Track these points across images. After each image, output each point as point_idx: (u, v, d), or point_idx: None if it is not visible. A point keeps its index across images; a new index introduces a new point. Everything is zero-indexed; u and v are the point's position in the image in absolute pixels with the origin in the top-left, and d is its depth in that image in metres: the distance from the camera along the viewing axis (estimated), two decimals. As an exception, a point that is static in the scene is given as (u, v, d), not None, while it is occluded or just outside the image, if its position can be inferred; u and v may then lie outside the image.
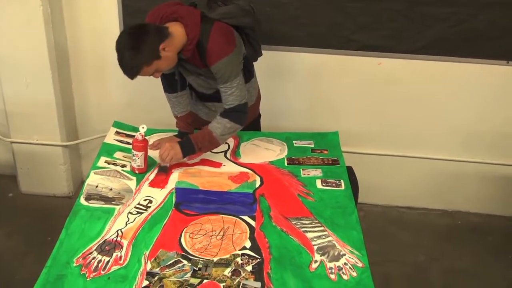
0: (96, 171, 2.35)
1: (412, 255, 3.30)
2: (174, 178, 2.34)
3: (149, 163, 2.41)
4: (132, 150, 2.34)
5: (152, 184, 2.30)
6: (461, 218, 3.68)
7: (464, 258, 3.30)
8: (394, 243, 3.39)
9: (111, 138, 2.63)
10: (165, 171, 2.39)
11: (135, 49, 2.08)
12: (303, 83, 3.34)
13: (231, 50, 2.28)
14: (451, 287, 3.06)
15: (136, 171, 2.37)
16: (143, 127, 2.36)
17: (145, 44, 2.09)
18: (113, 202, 2.16)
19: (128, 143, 2.55)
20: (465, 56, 3.15)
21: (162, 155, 2.38)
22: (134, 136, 2.39)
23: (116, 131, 2.69)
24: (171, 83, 2.48)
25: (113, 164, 2.42)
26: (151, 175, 2.36)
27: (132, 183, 2.30)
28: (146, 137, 2.39)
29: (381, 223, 3.58)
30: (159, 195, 2.23)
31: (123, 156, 2.48)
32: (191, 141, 2.41)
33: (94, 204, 2.14)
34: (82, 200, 2.16)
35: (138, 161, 2.35)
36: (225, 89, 2.33)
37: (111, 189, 2.24)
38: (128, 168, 2.40)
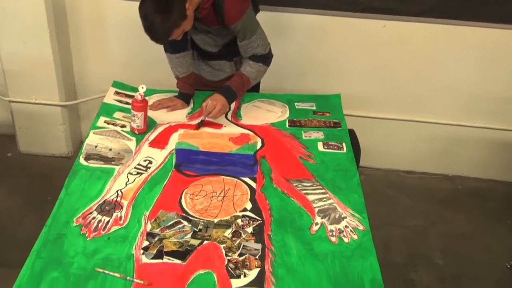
0: (96, 131, 2.32)
1: (411, 219, 3.31)
2: (174, 139, 2.32)
3: (149, 124, 2.39)
4: (132, 111, 2.31)
5: (152, 144, 2.28)
6: (461, 183, 3.69)
7: (463, 223, 3.32)
8: (394, 207, 3.40)
9: (110, 98, 2.60)
10: (199, 126, 2.41)
11: (165, 12, 2.04)
12: (306, 45, 3.29)
13: (247, 6, 2.30)
14: (449, 251, 3.08)
15: (136, 132, 2.34)
16: (142, 87, 2.32)
17: (174, 6, 2.06)
18: (112, 162, 2.14)
19: (127, 103, 2.53)
20: (470, 20, 3.11)
21: (210, 111, 2.37)
22: (133, 96, 2.36)
23: (116, 91, 2.66)
24: (173, 43, 2.44)
25: (113, 124, 2.39)
26: (151, 136, 2.34)
27: (131, 144, 2.28)
28: (146, 98, 2.35)
29: (382, 187, 3.58)
30: (159, 156, 2.21)
31: (123, 116, 2.46)
32: (232, 88, 2.42)
33: (93, 164, 2.12)
34: (81, 160, 2.14)
35: (137, 122, 2.32)
36: (250, 43, 2.36)
37: (110, 149, 2.22)
38: (127, 129, 2.37)
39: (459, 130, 3.54)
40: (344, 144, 2.35)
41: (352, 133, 2.48)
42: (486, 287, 2.86)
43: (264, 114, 2.55)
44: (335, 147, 2.33)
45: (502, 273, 2.96)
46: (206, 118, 2.41)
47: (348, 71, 3.38)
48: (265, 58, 2.45)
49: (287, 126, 2.48)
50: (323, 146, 2.33)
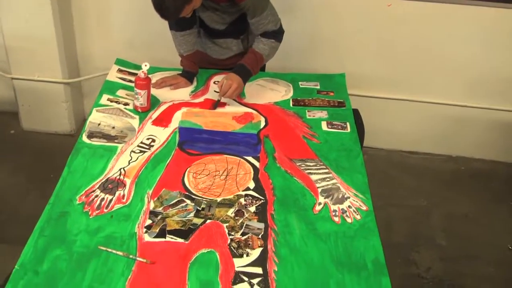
0: (98, 109, 2.31)
1: (414, 200, 3.31)
2: (178, 117, 2.31)
3: (152, 102, 2.37)
4: (135, 88, 2.30)
5: (155, 122, 2.27)
6: (464, 164, 3.68)
7: (465, 204, 3.31)
8: (397, 187, 3.40)
9: (113, 75, 2.58)
10: (215, 106, 2.40)
11: None
12: (310, 24, 3.26)
13: None
14: (451, 232, 3.08)
15: (139, 110, 2.33)
16: (145, 65, 2.30)
17: None
18: (115, 140, 2.13)
19: (130, 81, 2.51)
20: (477, -1, 3.08)
21: (226, 91, 2.35)
22: (136, 74, 2.34)
23: (119, 68, 2.65)
24: (179, 21, 2.41)
25: (116, 102, 2.38)
26: (154, 114, 2.32)
27: (134, 122, 2.27)
28: (149, 75, 2.33)
29: (385, 167, 3.57)
30: (162, 134, 2.20)
31: (126, 94, 2.44)
32: (246, 66, 2.40)
33: (96, 142, 2.11)
34: (84, 138, 2.13)
35: (141, 100, 2.31)
36: (261, 20, 2.34)
37: (113, 127, 2.21)
38: (130, 106, 2.36)
39: (463, 111, 3.52)
40: (348, 124, 2.34)
41: (356, 112, 2.47)
42: (488, 268, 2.86)
43: (268, 93, 2.53)
44: (339, 127, 2.31)
45: (503, 254, 2.97)
46: (222, 99, 2.40)
47: (353, 51, 3.35)
48: (277, 34, 2.42)
49: (291, 105, 2.46)
50: (327, 126, 2.32)
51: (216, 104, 2.40)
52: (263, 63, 2.47)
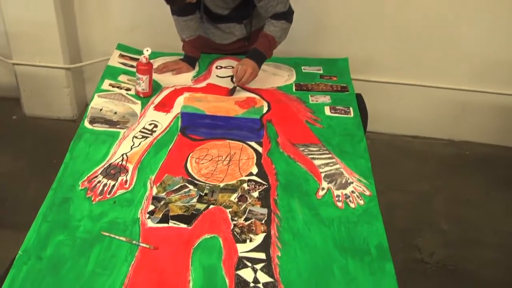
0: (100, 94, 2.30)
1: (417, 185, 3.30)
2: (180, 102, 2.30)
3: (154, 87, 2.36)
4: (137, 74, 2.29)
5: (157, 108, 2.26)
6: (468, 149, 3.67)
7: (469, 189, 3.31)
8: (400, 172, 3.39)
9: (115, 61, 2.57)
10: (232, 92, 2.39)
11: None
12: (313, 8, 3.24)
13: None
14: (454, 217, 3.08)
15: (141, 95, 2.32)
16: (147, 50, 2.29)
17: None
18: (117, 126, 2.12)
19: (132, 66, 2.50)
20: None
21: (241, 77, 2.34)
22: (138, 59, 2.33)
23: (120, 53, 2.63)
24: (182, 6, 2.39)
25: (118, 87, 2.37)
26: (156, 99, 2.31)
27: (137, 107, 2.26)
28: (151, 61, 2.32)
29: (387, 151, 3.57)
30: (164, 120, 2.19)
31: (128, 80, 2.43)
32: (260, 50, 2.39)
33: (98, 127, 2.11)
34: (86, 123, 2.12)
35: (142, 85, 2.30)
36: (269, 2, 2.33)
37: (115, 113, 2.20)
38: (132, 92, 2.35)
39: (466, 95, 3.50)
40: (351, 109, 2.32)
41: (359, 97, 2.45)
42: (491, 253, 2.86)
43: (270, 77, 2.52)
44: (342, 112, 2.30)
45: (507, 239, 2.97)
46: (238, 85, 2.39)
47: (356, 35, 3.33)
48: (287, 15, 2.40)
49: (293, 90, 2.45)
50: (330, 111, 2.31)
51: (233, 91, 2.38)
52: (276, 46, 2.45)
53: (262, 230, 1.68)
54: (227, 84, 2.46)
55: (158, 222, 1.69)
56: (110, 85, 2.38)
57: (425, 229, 2.98)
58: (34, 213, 1.69)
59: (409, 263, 2.77)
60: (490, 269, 2.77)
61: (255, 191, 1.84)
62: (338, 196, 1.84)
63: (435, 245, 2.88)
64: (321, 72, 2.60)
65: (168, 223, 1.69)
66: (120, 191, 1.80)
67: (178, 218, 1.71)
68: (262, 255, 1.60)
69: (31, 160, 3.27)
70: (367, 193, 1.86)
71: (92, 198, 1.76)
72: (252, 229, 1.68)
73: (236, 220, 1.71)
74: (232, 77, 2.51)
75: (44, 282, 1.47)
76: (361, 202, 1.82)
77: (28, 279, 1.48)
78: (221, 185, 1.86)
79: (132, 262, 1.55)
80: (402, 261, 2.74)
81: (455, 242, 2.92)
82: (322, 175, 1.93)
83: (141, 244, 1.60)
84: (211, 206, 1.76)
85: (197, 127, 2.16)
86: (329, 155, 2.03)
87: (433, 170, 3.45)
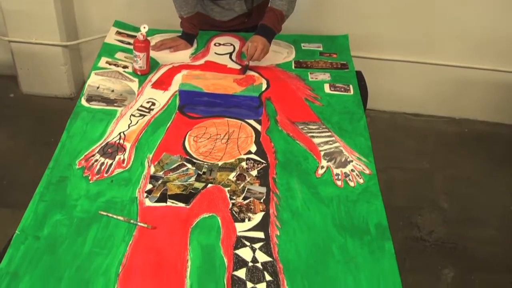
0: (97, 72, 2.27)
1: (417, 162, 3.29)
2: (178, 80, 2.27)
3: (152, 64, 2.34)
4: (134, 51, 2.26)
5: (155, 85, 2.23)
6: (468, 126, 3.65)
7: (468, 166, 3.30)
8: (400, 150, 3.38)
9: (111, 38, 2.54)
10: (245, 71, 2.35)
11: None
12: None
13: None
14: (454, 195, 3.07)
15: (138, 72, 2.29)
16: (144, 27, 2.25)
17: None
18: (115, 104, 2.10)
19: (129, 43, 2.47)
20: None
21: (252, 54, 2.31)
22: (135, 36, 2.30)
23: (117, 31, 2.60)
24: None
25: (115, 65, 2.34)
26: (154, 77, 2.29)
27: (134, 85, 2.23)
28: (148, 38, 2.29)
29: (387, 129, 3.55)
30: (162, 97, 2.16)
31: (125, 57, 2.40)
32: (268, 26, 2.36)
33: (95, 105, 2.08)
34: (83, 101, 2.10)
35: (140, 62, 2.27)
36: None
37: (112, 91, 2.18)
38: (130, 69, 2.32)
39: (467, 72, 3.48)
40: (351, 86, 2.30)
41: (359, 75, 2.43)
42: (490, 231, 2.86)
43: (269, 54, 2.47)
44: (342, 89, 2.28)
45: (506, 217, 2.97)
46: (250, 63, 2.36)
47: (356, 12, 3.29)
48: None
49: (293, 67, 2.42)
50: (330, 88, 2.28)
51: (246, 69, 2.35)
52: (284, 20, 2.41)
53: (261, 209, 1.67)
54: (226, 61, 2.43)
55: (156, 201, 1.68)
56: (107, 62, 2.35)
57: (424, 207, 2.98)
58: (32, 192, 1.68)
59: (408, 241, 2.77)
60: (489, 247, 2.77)
61: (254, 169, 1.83)
62: (337, 174, 1.82)
63: (435, 223, 2.88)
64: (321, 49, 2.57)
65: (166, 202, 1.68)
66: (118, 170, 1.79)
67: (176, 197, 1.70)
68: (260, 234, 1.59)
69: (29, 139, 3.25)
70: (367, 171, 1.85)
71: (89, 177, 1.75)
72: (251, 208, 1.67)
73: (234, 199, 1.70)
74: (230, 54, 2.49)
75: (42, 262, 1.46)
76: (361, 180, 1.80)
77: (26, 258, 1.47)
78: (220, 163, 1.84)
79: (130, 242, 1.54)
80: (401, 239, 2.74)
81: (455, 220, 2.92)
82: (322, 153, 1.91)
83: (139, 223, 1.59)
84: (209, 185, 1.75)
85: (195, 105, 2.14)
86: (329, 133, 2.01)
87: (433, 148, 3.44)
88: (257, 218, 1.64)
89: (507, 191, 3.13)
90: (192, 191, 1.72)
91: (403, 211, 2.92)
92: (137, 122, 2.01)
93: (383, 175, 1.96)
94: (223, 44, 2.57)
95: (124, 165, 1.81)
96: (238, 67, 2.40)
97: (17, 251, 1.48)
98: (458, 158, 3.37)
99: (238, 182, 1.77)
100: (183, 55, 2.48)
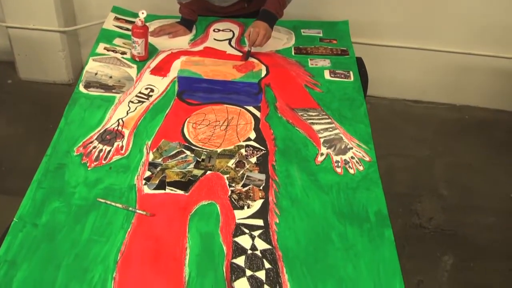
0: (95, 58, 2.26)
1: (417, 149, 3.29)
2: (176, 66, 2.25)
3: (150, 51, 2.32)
4: (132, 37, 2.24)
5: (154, 72, 2.22)
6: (469, 113, 3.64)
7: (469, 153, 3.29)
8: (400, 137, 3.37)
9: (110, 24, 2.51)
10: (247, 57, 2.33)
11: None
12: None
13: None
14: (454, 182, 3.07)
15: (137, 59, 2.28)
16: (142, 13, 2.23)
17: None
18: (113, 90, 2.09)
19: (128, 29, 2.45)
20: None
21: (254, 40, 2.28)
22: (133, 22, 2.27)
23: (115, 16, 2.57)
24: None
25: (113, 51, 2.32)
26: (152, 63, 2.27)
27: (132, 71, 2.21)
28: (146, 24, 2.27)
29: (388, 116, 3.54)
30: (160, 84, 2.15)
31: (123, 43, 2.38)
32: (270, 11, 2.34)
33: (93, 92, 2.07)
34: (81, 88, 2.08)
35: (138, 48, 2.25)
36: None
37: (111, 77, 2.16)
38: (128, 56, 2.30)
39: (468, 59, 3.45)
40: (351, 73, 2.28)
41: (359, 61, 2.41)
42: (490, 218, 2.86)
43: (269, 41, 2.46)
44: (342, 76, 2.26)
45: (506, 204, 2.96)
46: (252, 48, 2.33)
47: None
48: None
49: (292, 53, 2.40)
50: (330, 75, 2.26)
51: (248, 55, 2.33)
52: (286, 5, 2.39)
53: (260, 196, 1.66)
54: (225, 47, 2.41)
55: (155, 189, 1.67)
56: (105, 48, 2.33)
57: (424, 194, 2.97)
58: (30, 178, 1.66)
59: (408, 228, 2.77)
60: (489, 233, 2.77)
61: (253, 156, 1.82)
62: (337, 161, 1.81)
63: (434, 210, 2.88)
64: (321, 35, 2.55)
65: (164, 190, 1.67)
66: (116, 157, 1.78)
67: (175, 184, 1.69)
68: (260, 222, 1.58)
69: (27, 125, 3.24)
70: (367, 158, 1.83)
71: (88, 164, 1.74)
72: (250, 195, 1.66)
73: (233, 186, 1.69)
74: (230, 40, 2.47)
75: (40, 249, 1.46)
76: (361, 168, 1.79)
77: (24, 246, 1.46)
78: (219, 150, 1.83)
79: (129, 229, 1.53)
80: (400, 226, 2.74)
81: (454, 207, 2.91)
82: (321, 140, 1.90)
83: (137, 210, 1.59)
84: (208, 172, 1.74)
85: (194, 91, 2.12)
86: (329, 120, 2.00)
87: (434, 135, 3.43)
88: (256, 205, 1.63)
89: (507, 178, 3.13)
90: (191, 178, 1.71)
91: (402, 198, 2.91)
92: (135, 108, 2.00)
93: (383, 162, 1.95)
94: (223, 30, 2.55)
95: (123, 152, 1.80)
96: (238, 53, 2.38)
97: (15, 239, 1.48)
98: (458, 145, 3.36)
99: (237, 169, 1.76)
100: (182, 41, 2.46)
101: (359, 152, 1.86)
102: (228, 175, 1.73)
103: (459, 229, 2.78)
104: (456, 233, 2.76)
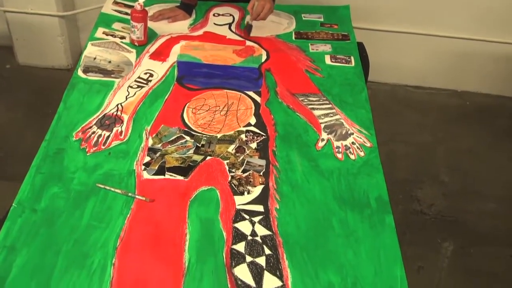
0: (94, 43, 2.24)
1: (418, 135, 3.27)
2: (176, 51, 2.23)
3: (149, 35, 2.30)
4: (131, 21, 2.22)
5: (153, 56, 2.20)
6: (470, 99, 3.62)
7: (470, 139, 3.28)
8: (401, 123, 3.36)
9: (108, 8, 2.49)
10: (249, 31, 2.31)
11: None
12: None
13: None
14: (455, 168, 3.06)
15: (136, 43, 2.25)
16: (142, -3, 2.21)
17: None
18: (112, 75, 2.07)
19: (127, 13, 2.42)
20: None
21: (259, 12, 2.26)
22: (132, 6, 2.25)
23: (114, 1, 2.55)
24: None
25: (112, 35, 2.30)
26: (152, 48, 2.25)
27: (131, 56, 2.19)
28: (146, 8, 2.24)
29: (389, 102, 3.52)
30: (160, 69, 2.13)
31: (122, 28, 2.36)
32: None
33: (92, 76, 2.05)
34: (79, 73, 2.06)
35: (137, 33, 2.23)
36: None
37: (109, 62, 2.14)
38: (127, 40, 2.28)
39: (470, 44, 3.43)
40: (352, 58, 2.26)
41: (361, 46, 2.39)
42: (491, 204, 2.85)
43: (269, 25, 2.44)
44: (343, 61, 2.24)
45: (507, 191, 2.95)
46: (254, 23, 2.32)
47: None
48: None
49: (293, 38, 2.38)
50: (331, 60, 2.25)
51: (250, 29, 2.31)
52: None
53: (260, 182, 1.65)
54: (225, 32, 2.39)
55: (154, 174, 1.66)
56: (104, 33, 2.31)
57: (425, 180, 2.96)
58: (29, 164, 1.65)
59: (408, 214, 2.76)
60: (490, 220, 2.77)
61: (253, 142, 1.80)
62: (338, 147, 1.80)
63: (435, 196, 2.87)
64: (322, 20, 2.53)
65: (164, 175, 1.65)
66: (115, 142, 1.76)
67: (174, 170, 1.67)
68: (260, 208, 1.57)
69: (26, 110, 3.22)
70: (368, 144, 1.82)
71: (87, 149, 1.72)
72: (250, 181, 1.65)
73: (233, 172, 1.68)
74: (230, 25, 2.45)
75: (39, 235, 1.45)
76: (362, 153, 1.78)
77: (23, 231, 1.45)
78: (219, 136, 1.82)
79: (128, 215, 1.52)
80: (401, 212, 2.73)
81: (455, 193, 2.90)
82: (322, 125, 1.89)
83: (137, 196, 1.58)
84: (208, 158, 1.73)
85: (194, 76, 2.10)
86: (329, 105, 1.98)
87: (435, 121, 3.41)
88: (257, 191, 1.62)
89: (508, 165, 3.12)
90: (190, 163, 1.70)
91: (403, 184, 2.90)
92: (134, 93, 1.98)
93: (384, 148, 1.94)
94: (222, 15, 2.53)
95: (122, 137, 1.78)
96: (238, 38, 2.35)
97: (14, 224, 1.47)
98: (460, 131, 3.35)
99: (237, 154, 1.75)
100: (182, 26, 2.43)
101: (360, 138, 1.84)
102: (228, 161, 1.72)
103: (460, 215, 2.77)
104: (456, 219, 2.75)
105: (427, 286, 2.46)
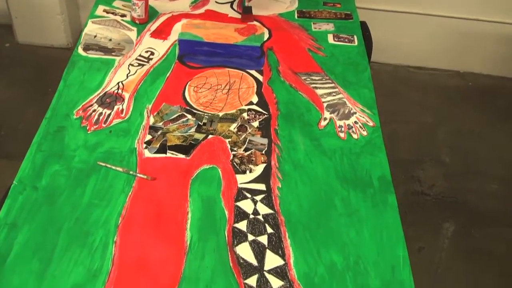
0: (94, 20, 2.21)
1: (420, 116, 3.26)
2: (177, 29, 2.21)
3: (150, 13, 2.27)
4: (132, -1, 2.19)
5: (154, 35, 2.17)
6: (472, 80, 3.60)
7: (472, 121, 3.27)
8: (403, 103, 3.34)
9: (109, -15, 2.46)
10: (250, 11, 2.28)
11: None
12: None
13: None
14: (457, 149, 3.05)
15: (137, 21, 2.23)
16: (143, -27, 2.18)
17: None
18: (113, 53, 2.05)
19: (127, -10, 2.39)
20: None
21: None
22: (133, -17, 2.22)
23: (115, -23, 2.51)
24: None
25: (112, 13, 2.28)
26: (153, 26, 2.22)
27: (132, 34, 2.17)
28: (147, -15, 2.22)
29: (391, 82, 3.50)
30: (161, 47, 2.11)
31: (123, 5, 2.33)
32: None
33: (92, 54, 2.03)
34: (80, 50, 2.04)
35: (138, 11, 2.20)
36: None
37: (110, 40, 2.12)
38: (128, 18, 2.25)
39: (473, 25, 3.40)
40: (355, 37, 2.24)
41: (364, 25, 2.37)
42: (492, 185, 2.85)
43: (272, 4, 2.42)
44: (346, 40, 2.22)
45: (509, 171, 2.95)
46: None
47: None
48: None
49: (295, 17, 2.36)
50: (333, 39, 2.22)
51: (248, 11, 2.29)
52: None
53: (262, 161, 1.64)
54: (227, 10, 2.36)
55: (156, 152, 1.65)
56: (104, 11, 2.28)
57: (426, 161, 2.96)
58: (30, 142, 1.64)
59: (409, 195, 2.76)
60: (490, 200, 2.77)
61: (255, 120, 1.79)
62: (340, 126, 1.79)
63: (436, 177, 2.87)
64: (325, -2, 2.51)
65: (165, 154, 1.64)
66: (116, 120, 1.75)
67: (176, 148, 1.66)
68: (262, 186, 1.56)
69: (26, 89, 3.20)
70: (371, 123, 1.81)
71: (88, 127, 1.71)
72: (252, 160, 1.64)
73: (235, 151, 1.67)
74: (231, 3, 2.42)
75: (40, 213, 1.44)
76: (364, 133, 1.77)
77: (24, 209, 1.45)
78: (220, 114, 1.81)
79: (130, 193, 1.51)
80: (402, 193, 2.73)
81: (456, 174, 2.90)
82: (325, 105, 1.87)
83: (138, 174, 1.57)
84: (210, 136, 1.72)
85: (195, 54, 2.08)
86: (332, 85, 1.97)
87: (437, 101, 3.40)
88: (259, 170, 1.61)
89: (509, 145, 3.11)
90: (192, 142, 1.69)
91: (405, 165, 2.90)
92: (135, 71, 1.96)
93: (386, 128, 1.93)
94: (224, -7, 2.50)
95: (123, 115, 1.77)
96: (240, 16, 2.33)
97: (15, 201, 1.46)
98: (461, 112, 3.33)
99: (239, 133, 1.74)
100: (183, 4, 2.41)
101: (363, 117, 1.83)
102: (230, 139, 1.71)
103: (461, 196, 2.77)
104: (457, 200, 2.75)
105: (427, 266, 2.46)
